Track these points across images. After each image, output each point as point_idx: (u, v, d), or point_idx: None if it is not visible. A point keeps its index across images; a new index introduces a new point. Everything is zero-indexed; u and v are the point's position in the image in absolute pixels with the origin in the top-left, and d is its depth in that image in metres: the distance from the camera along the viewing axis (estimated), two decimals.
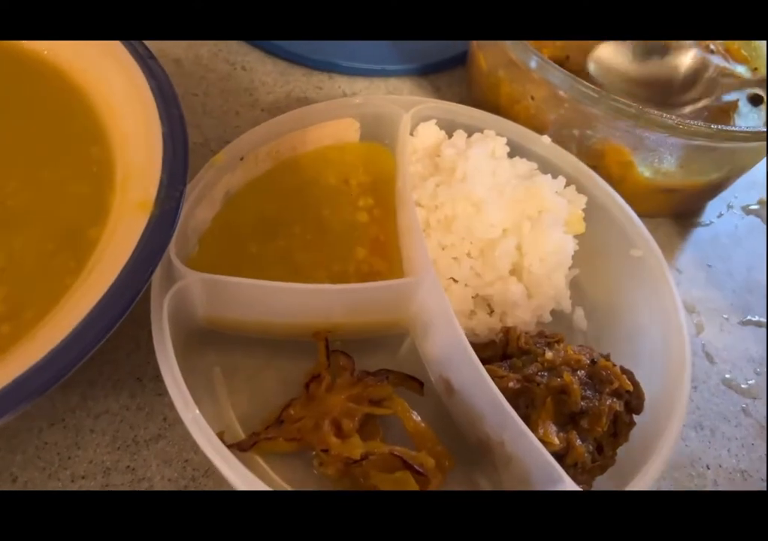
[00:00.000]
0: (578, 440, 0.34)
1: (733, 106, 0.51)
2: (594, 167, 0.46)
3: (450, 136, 0.47)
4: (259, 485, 0.30)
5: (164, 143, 0.35)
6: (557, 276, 0.42)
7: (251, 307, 0.38)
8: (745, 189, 0.58)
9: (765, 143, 0.44)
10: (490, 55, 0.52)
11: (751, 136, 0.43)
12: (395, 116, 0.45)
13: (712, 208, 0.57)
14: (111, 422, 0.37)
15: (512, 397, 0.35)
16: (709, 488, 0.41)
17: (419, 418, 0.37)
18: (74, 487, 0.35)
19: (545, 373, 0.36)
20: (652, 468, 0.34)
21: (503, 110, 0.50)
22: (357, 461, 0.34)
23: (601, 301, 0.45)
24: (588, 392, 0.35)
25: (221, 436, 0.33)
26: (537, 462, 0.33)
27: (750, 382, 0.47)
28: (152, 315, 0.34)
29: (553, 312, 0.43)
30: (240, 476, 0.30)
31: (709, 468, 0.42)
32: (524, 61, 0.46)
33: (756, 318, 0.50)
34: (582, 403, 0.34)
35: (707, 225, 0.56)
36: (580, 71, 0.49)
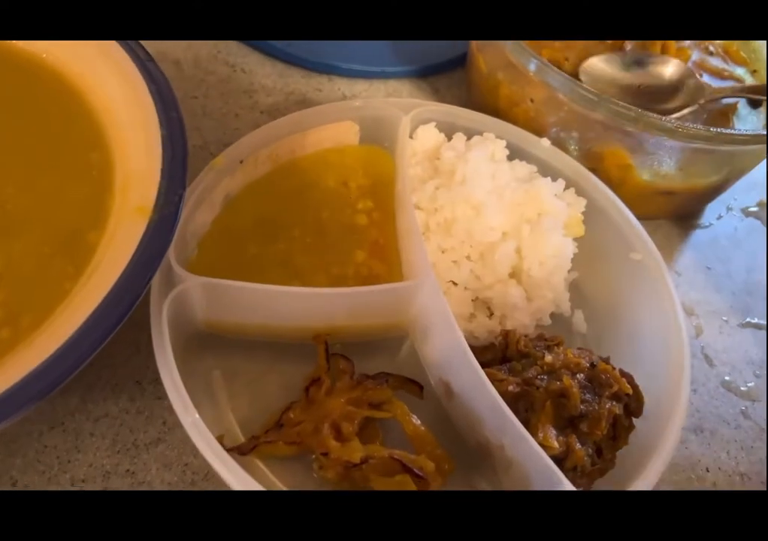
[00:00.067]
0: (577, 444, 0.34)
1: (732, 108, 0.51)
2: (594, 170, 0.46)
3: (450, 139, 0.47)
4: (259, 489, 0.30)
5: (164, 147, 0.35)
6: (556, 279, 0.42)
7: (250, 311, 0.38)
8: (744, 191, 0.58)
9: (764, 145, 0.44)
10: (489, 57, 0.52)
11: (751, 139, 0.43)
12: (395, 119, 0.45)
13: (712, 210, 0.57)
14: (111, 426, 0.37)
15: (512, 400, 0.35)
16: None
17: (419, 422, 0.37)
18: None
19: (545, 377, 0.36)
20: (652, 471, 0.34)
21: (503, 112, 0.50)
22: (357, 465, 0.34)
23: (600, 304, 0.45)
24: (588, 396, 0.35)
25: (220, 439, 0.33)
26: (537, 466, 0.33)
27: (749, 384, 0.47)
28: (152, 320, 0.34)
29: (552, 315, 0.43)
30: (239, 480, 0.30)
31: (708, 471, 0.42)
32: (524, 64, 0.46)
33: (755, 321, 0.51)
34: (581, 407, 0.34)
35: (706, 227, 0.56)
36: (579, 74, 0.49)
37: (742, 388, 0.47)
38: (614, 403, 0.35)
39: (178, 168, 0.34)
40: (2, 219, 0.35)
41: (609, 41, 0.52)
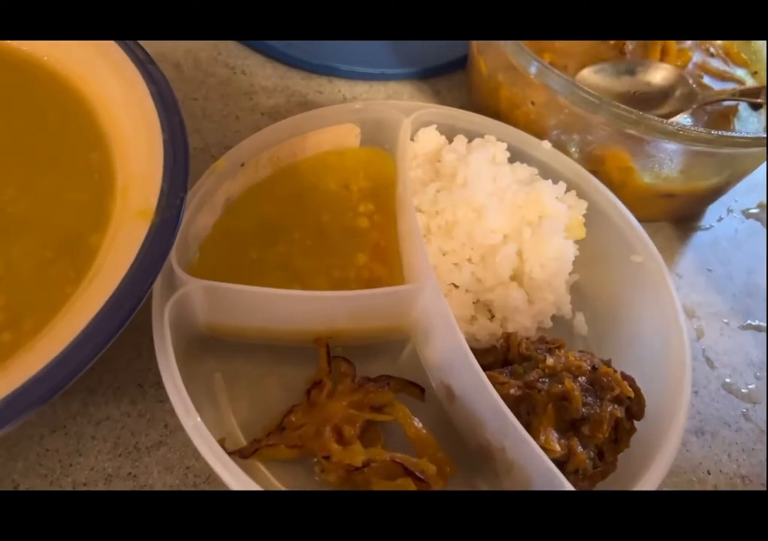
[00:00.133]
0: (579, 447, 0.34)
1: (733, 110, 0.51)
2: (595, 173, 0.46)
3: (450, 141, 0.47)
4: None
5: (165, 150, 0.35)
6: (557, 282, 0.42)
7: (252, 314, 0.38)
8: (745, 193, 0.58)
9: (765, 148, 0.44)
10: (490, 59, 0.52)
11: (752, 141, 0.43)
12: (396, 121, 0.45)
13: (712, 212, 0.57)
14: (112, 429, 0.37)
15: (513, 403, 0.35)
16: None
17: (420, 425, 0.37)
18: None
19: (546, 380, 0.36)
20: (654, 474, 0.34)
21: (503, 114, 0.50)
22: (358, 468, 0.34)
23: (602, 306, 0.45)
24: (589, 399, 0.35)
25: (222, 443, 0.33)
26: (538, 469, 0.33)
27: (750, 386, 0.47)
28: (154, 323, 0.34)
29: (554, 318, 0.43)
30: (241, 483, 0.30)
31: (709, 473, 0.42)
32: (524, 66, 0.46)
33: (756, 323, 0.51)
34: (583, 410, 0.35)
35: (707, 228, 0.56)
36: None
37: (743, 391, 0.47)
38: (615, 406, 0.35)
39: (180, 171, 0.34)
40: (2, 221, 0.35)
41: (611, 43, 0.52)
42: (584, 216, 0.45)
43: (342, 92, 0.57)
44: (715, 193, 0.53)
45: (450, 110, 0.48)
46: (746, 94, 0.50)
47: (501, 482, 0.36)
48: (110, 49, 0.39)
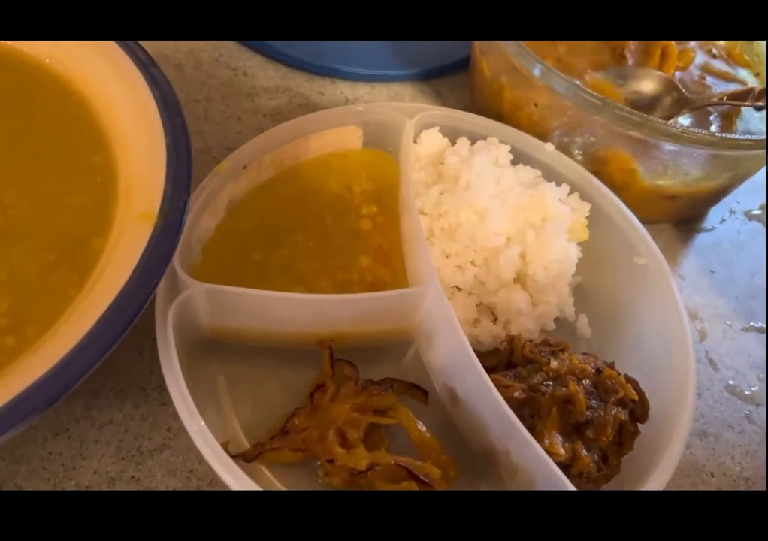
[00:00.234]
0: (583, 450, 0.34)
1: (736, 111, 0.51)
2: (598, 174, 0.46)
3: (453, 143, 0.47)
4: None
5: (168, 153, 0.35)
6: (561, 284, 0.42)
7: (255, 317, 0.38)
8: (747, 194, 0.58)
9: (767, 150, 0.44)
10: (492, 61, 0.51)
11: (755, 144, 0.43)
12: (398, 124, 0.45)
13: (715, 214, 0.57)
14: (116, 432, 0.37)
15: (517, 406, 0.35)
16: None
17: (424, 428, 0.37)
18: None
19: (551, 383, 0.36)
20: (659, 477, 0.34)
21: (506, 116, 0.50)
22: (362, 472, 0.34)
23: (605, 309, 0.45)
24: (594, 402, 0.35)
25: (225, 446, 0.33)
26: (543, 472, 0.33)
27: (753, 388, 0.47)
28: (157, 327, 0.34)
29: (557, 320, 0.43)
30: (244, 487, 0.30)
31: (713, 476, 0.42)
32: (528, 68, 0.46)
33: (759, 324, 0.50)
34: (587, 413, 0.34)
35: (710, 230, 0.56)
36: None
37: (746, 393, 0.47)
38: (620, 409, 0.35)
39: (183, 174, 0.34)
40: (5, 225, 0.34)
41: (612, 45, 0.52)
42: (587, 218, 0.45)
43: (344, 94, 0.57)
44: (717, 195, 0.53)
45: (453, 112, 0.48)
46: (736, 97, 0.49)
47: (505, 484, 0.36)
48: (112, 50, 0.39)
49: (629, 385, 0.36)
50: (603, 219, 0.45)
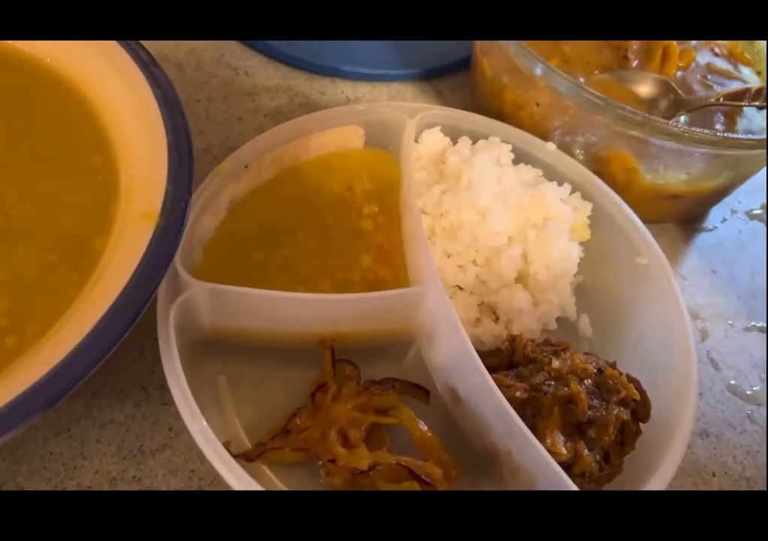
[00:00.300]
0: (585, 450, 0.34)
1: (738, 110, 0.51)
2: (599, 174, 0.46)
3: (455, 143, 0.47)
4: None
5: (170, 152, 0.35)
6: (562, 284, 0.42)
7: (256, 317, 0.38)
8: (748, 194, 0.58)
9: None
10: (494, 61, 0.51)
11: (757, 143, 0.43)
12: (399, 123, 0.45)
13: (716, 213, 0.57)
14: (117, 432, 0.37)
15: (519, 406, 0.35)
16: None
17: (426, 427, 0.37)
18: None
19: (552, 383, 0.36)
20: (661, 477, 0.34)
21: (507, 116, 0.50)
22: (364, 472, 0.34)
23: (606, 308, 0.44)
24: (595, 401, 0.35)
25: (227, 446, 0.33)
26: (545, 472, 0.33)
27: (755, 388, 0.47)
28: (159, 327, 0.34)
29: (558, 320, 0.43)
30: (246, 487, 0.30)
31: (714, 475, 0.42)
32: (529, 68, 0.46)
33: (760, 324, 0.50)
34: (589, 413, 0.34)
35: (711, 230, 0.56)
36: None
37: (748, 392, 0.47)
38: (621, 408, 0.35)
39: (184, 173, 0.34)
40: (6, 225, 0.34)
41: (615, 45, 0.52)
42: (588, 217, 0.45)
43: (345, 93, 0.57)
44: (719, 194, 0.53)
45: (454, 111, 0.48)
46: (733, 98, 0.49)
47: (507, 484, 0.36)
48: (113, 50, 0.39)
49: (631, 385, 0.36)
50: (605, 219, 0.45)
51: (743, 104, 0.49)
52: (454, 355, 0.37)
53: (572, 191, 0.45)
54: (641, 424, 0.36)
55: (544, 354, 0.38)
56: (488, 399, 0.34)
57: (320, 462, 0.35)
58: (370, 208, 0.44)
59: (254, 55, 0.58)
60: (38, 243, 0.34)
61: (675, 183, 0.48)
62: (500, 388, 0.34)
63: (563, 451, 0.33)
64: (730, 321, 0.50)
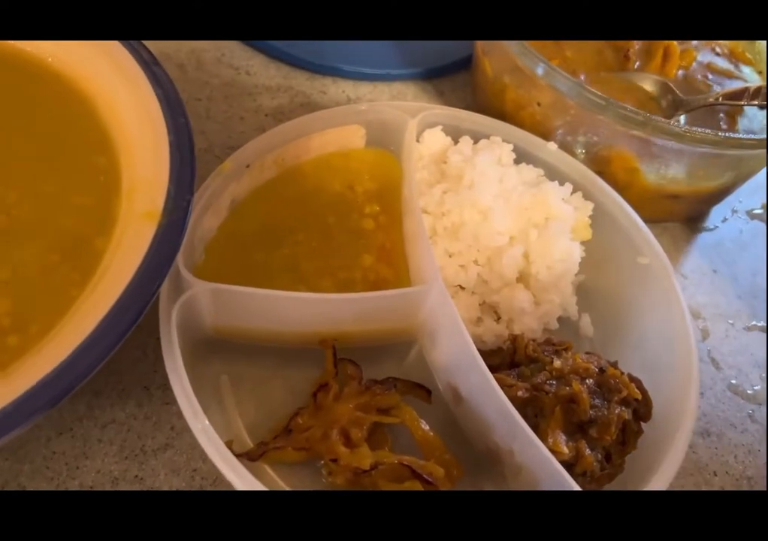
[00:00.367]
0: (587, 449, 0.34)
1: (739, 110, 0.51)
2: (600, 174, 0.46)
3: (456, 142, 0.47)
4: None
5: (171, 152, 0.35)
6: (564, 283, 0.42)
7: (258, 316, 0.38)
8: (749, 194, 0.58)
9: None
10: (495, 61, 0.51)
11: (758, 143, 0.43)
12: (401, 123, 0.45)
13: (717, 213, 0.57)
14: (119, 432, 0.37)
15: (521, 406, 0.35)
16: None
17: (427, 427, 0.37)
18: None
19: (554, 382, 0.36)
20: (663, 477, 0.34)
21: (509, 116, 0.50)
22: (366, 471, 0.34)
23: (608, 308, 0.44)
24: (597, 401, 0.35)
25: (229, 445, 0.33)
26: (547, 471, 0.33)
27: (756, 387, 0.47)
28: (161, 326, 0.34)
29: (560, 319, 0.43)
30: (249, 486, 0.30)
31: (716, 475, 0.42)
32: (531, 68, 0.46)
33: (761, 324, 0.50)
34: (590, 412, 0.34)
35: (712, 229, 0.56)
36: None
37: (749, 392, 0.47)
38: (623, 408, 0.35)
39: (186, 173, 0.34)
40: (8, 225, 0.34)
41: (616, 46, 0.52)
42: (590, 217, 0.45)
43: (346, 93, 0.57)
44: (720, 194, 0.53)
45: (456, 111, 0.48)
46: (732, 97, 0.49)
47: (509, 484, 0.36)
48: (114, 50, 0.39)
49: (632, 384, 0.36)
50: (606, 219, 0.45)
51: (742, 103, 0.49)
52: (455, 355, 0.37)
53: (574, 191, 0.45)
54: (642, 424, 0.36)
55: (545, 353, 0.38)
56: (490, 398, 0.34)
57: (322, 461, 0.36)
58: (371, 208, 0.44)
59: (255, 54, 0.58)
60: (40, 243, 0.34)
61: (677, 183, 0.48)
62: (501, 387, 0.34)
63: (565, 450, 0.34)
64: (730, 321, 0.50)
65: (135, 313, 0.30)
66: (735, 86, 0.52)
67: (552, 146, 0.46)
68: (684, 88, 0.51)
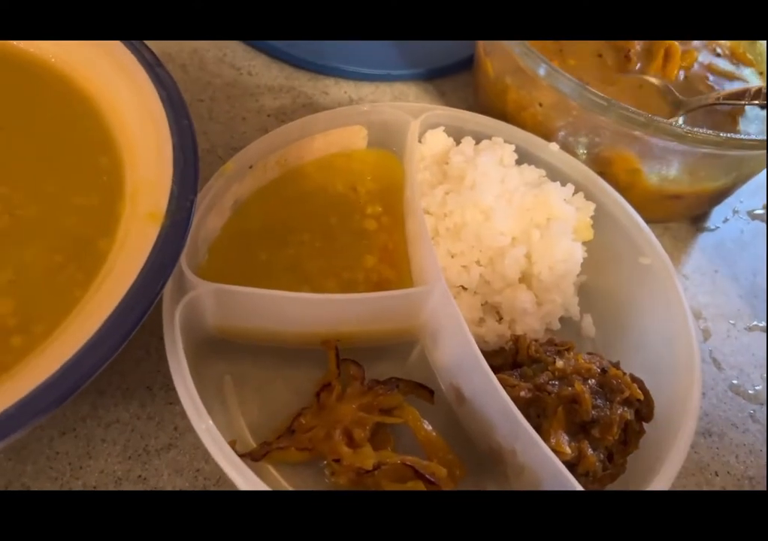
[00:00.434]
0: (589, 449, 0.34)
1: (740, 110, 0.51)
2: (602, 174, 0.46)
3: (458, 143, 0.47)
4: None
5: (175, 152, 0.35)
6: (565, 284, 0.42)
7: (262, 317, 0.38)
8: (750, 194, 0.58)
9: None
10: (497, 61, 0.51)
11: (759, 144, 0.43)
12: (403, 123, 0.45)
13: (718, 213, 0.57)
14: (122, 432, 0.37)
15: (524, 406, 0.35)
16: None
17: (430, 427, 0.37)
18: None
19: (556, 382, 0.36)
20: (664, 476, 0.34)
21: (510, 116, 0.50)
22: (369, 471, 0.34)
23: (609, 308, 0.45)
24: (599, 401, 0.35)
25: (233, 445, 0.33)
26: (549, 471, 0.33)
27: (757, 387, 0.47)
28: (165, 326, 0.34)
29: (562, 320, 0.43)
30: (253, 486, 0.30)
31: (717, 475, 0.42)
32: (533, 69, 0.46)
33: (762, 324, 0.51)
34: (593, 412, 0.35)
35: (713, 230, 0.56)
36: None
37: (750, 392, 0.47)
38: (625, 408, 0.35)
39: (190, 174, 0.34)
40: (11, 226, 0.34)
41: (618, 47, 0.52)
42: (591, 217, 0.45)
43: (348, 93, 0.57)
44: (721, 194, 0.53)
45: (458, 111, 0.48)
46: (732, 97, 0.49)
47: (511, 484, 0.36)
48: (117, 50, 0.39)
49: (634, 385, 0.36)
50: (608, 219, 0.45)
51: (741, 103, 0.49)
52: (458, 355, 0.37)
53: (576, 192, 0.45)
54: (644, 424, 0.37)
55: (548, 354, 0.38)
56: (493, 399, 0.34)
57: (325, 462, 0.36)
58: (373, 208, 0.44)
59: (257, 55, 0.58)
60: (43, 243, 0.34)
61: (678, 184, 0.48)
62: (504, 387, 0.34)
63: (568, 450, 0.34)
64: (732, 321, 0.50)
65: (139, 314, 0.30)
66: (736, 86, 0.52)
67: (554, 146, 0.46)
68: (685, 89, 0.51)
